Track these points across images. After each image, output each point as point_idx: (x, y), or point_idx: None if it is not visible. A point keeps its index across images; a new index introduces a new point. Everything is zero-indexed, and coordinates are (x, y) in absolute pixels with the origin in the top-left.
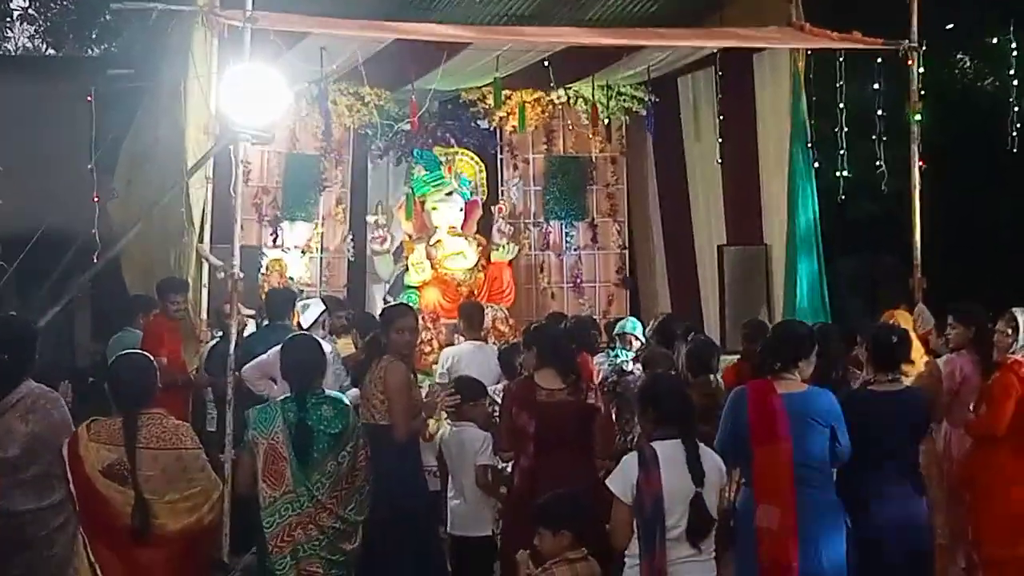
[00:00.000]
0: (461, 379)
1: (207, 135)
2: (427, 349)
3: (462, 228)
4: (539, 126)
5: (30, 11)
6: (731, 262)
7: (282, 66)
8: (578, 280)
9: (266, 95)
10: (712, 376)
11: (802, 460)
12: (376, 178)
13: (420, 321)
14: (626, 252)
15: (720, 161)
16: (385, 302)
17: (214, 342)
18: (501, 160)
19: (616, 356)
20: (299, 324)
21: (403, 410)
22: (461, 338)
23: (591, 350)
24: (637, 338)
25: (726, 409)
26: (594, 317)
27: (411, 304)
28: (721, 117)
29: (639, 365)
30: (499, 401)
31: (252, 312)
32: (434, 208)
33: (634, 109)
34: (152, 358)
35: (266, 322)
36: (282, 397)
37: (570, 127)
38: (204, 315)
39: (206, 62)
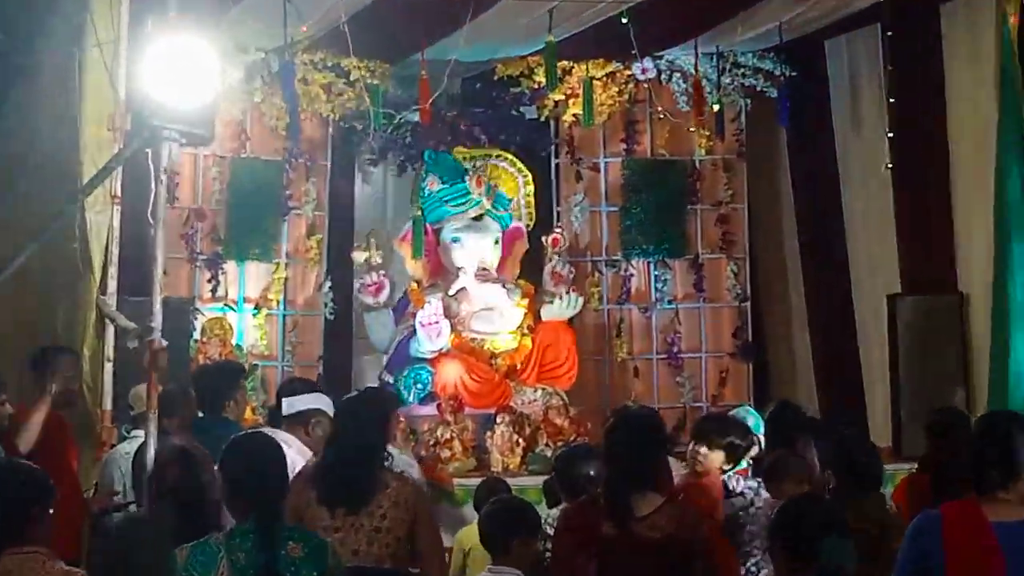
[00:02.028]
0: (504, 502)
1: (113, 133)
2: (445, 453)
3: (498, 270)
4: (614, 115)
5: None
6: (908, 320)
7: (226, 29)
8: (674, 348)
9: (201, 72)
10: (877, 494)
11: None
12: (368, 196)
13: (438, 412)
14: (747, 306)
15: (890, 165)
16: (381, 382)
17: (128, 446)
18: (557, 167)
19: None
20: (261, 412)
21: (442, 561)
22: None
23: (725, 449)
24: (757, 437)
25: (905, 546)
26: (700, 406)
27: (425, 380)
28: (891, 99)
29: (749, 483)
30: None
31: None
32: (455, 240)
33: (759, 88)
34: (34, 468)
35: (199, 414)
36: (227, 530)
37: (661, 116)
38: (108, 403)
39: (111, 25)
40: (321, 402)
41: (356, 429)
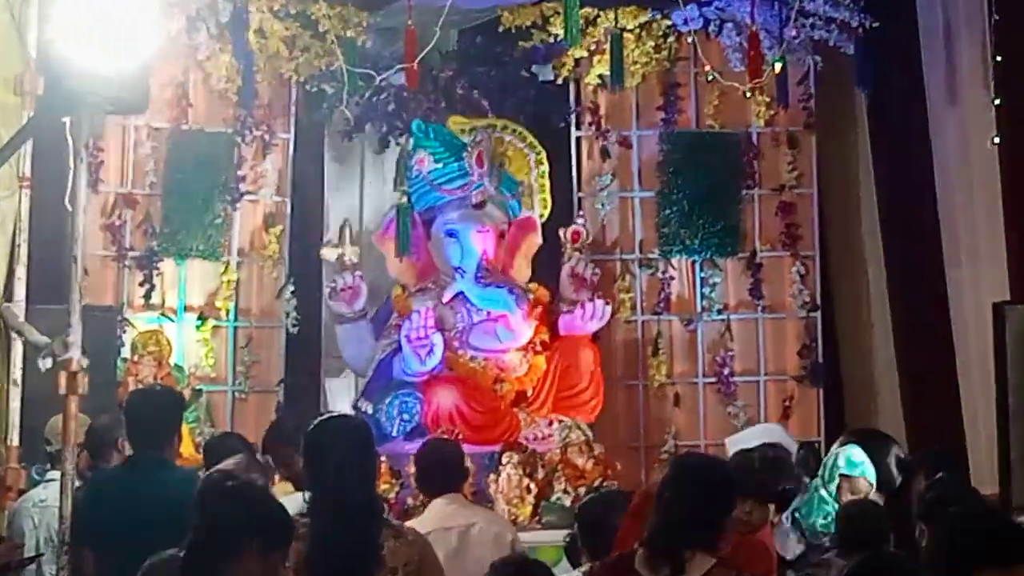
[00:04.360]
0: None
1: (21, 98)
2: None
3: (503, 271)
4: (650, 77)
5: None
6: (1020, 333)
7: None
8: (726, 371)
9: (132, 24)
10: None
11: None
12: (340, 177)
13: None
14: (817, 316)
15: (997, 141)
16: (357, 410)
17: (43, 492)
18: (578, 142)
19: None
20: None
21: None
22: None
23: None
24: (869, 483)
25: None
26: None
27: (412, 409)
28: (998, 58)
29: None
30: None
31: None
32: (451, 233)
33: (831, 43)
34: None
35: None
36: None
37: (709, 78)
38: (14, 438)
39: None
40: None
41: (346, 479)
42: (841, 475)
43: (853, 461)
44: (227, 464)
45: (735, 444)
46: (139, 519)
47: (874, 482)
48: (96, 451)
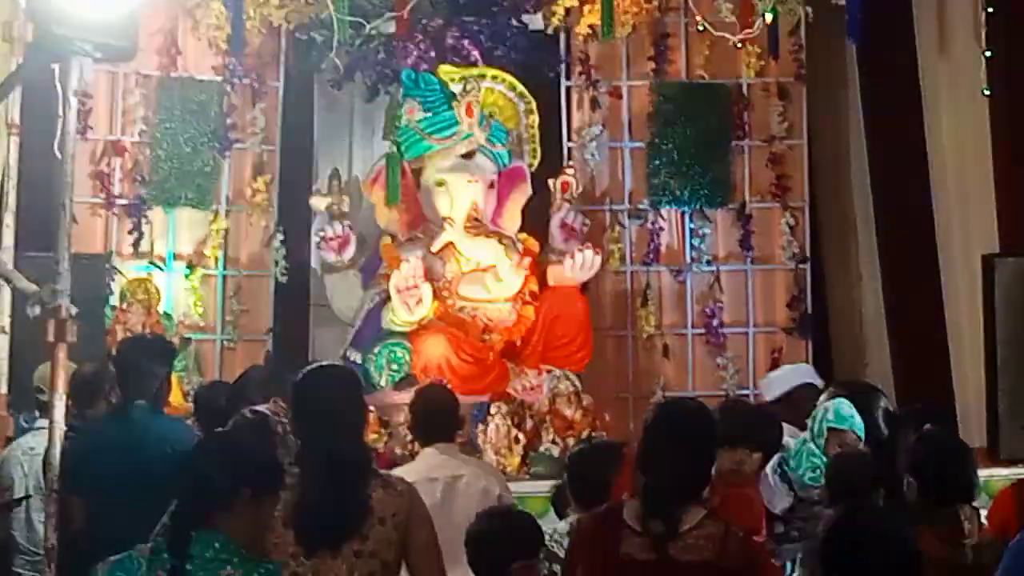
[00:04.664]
0: (498, 516)
1: (10, 44)
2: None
3: (492, 221)
4: (640, 27)
5: None
6: (1009, 286)
7: None
8: (715, 322)
9: None
10: (966, 508)
11: None
12: (330, 126)
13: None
14: (806, 268)
15: (987, 92)
16: (345, 360)
17: (32, 440)
18: (568, 92)
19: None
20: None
21: None
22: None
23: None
24: (857, 436)
25: (1009, 567)
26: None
27: (401, 359)
28: (989, 8)
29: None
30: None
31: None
32: (440, 183)
33: None
34: None
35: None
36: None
37: (700, 28)
38: (2, 386)
39: None
40: None
41: (334, 430)
42: (829, 428)
43: (842, 414)
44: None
45: (771, 386)
46: (131, 467)
47: (863, 435)
48: (82, 399)
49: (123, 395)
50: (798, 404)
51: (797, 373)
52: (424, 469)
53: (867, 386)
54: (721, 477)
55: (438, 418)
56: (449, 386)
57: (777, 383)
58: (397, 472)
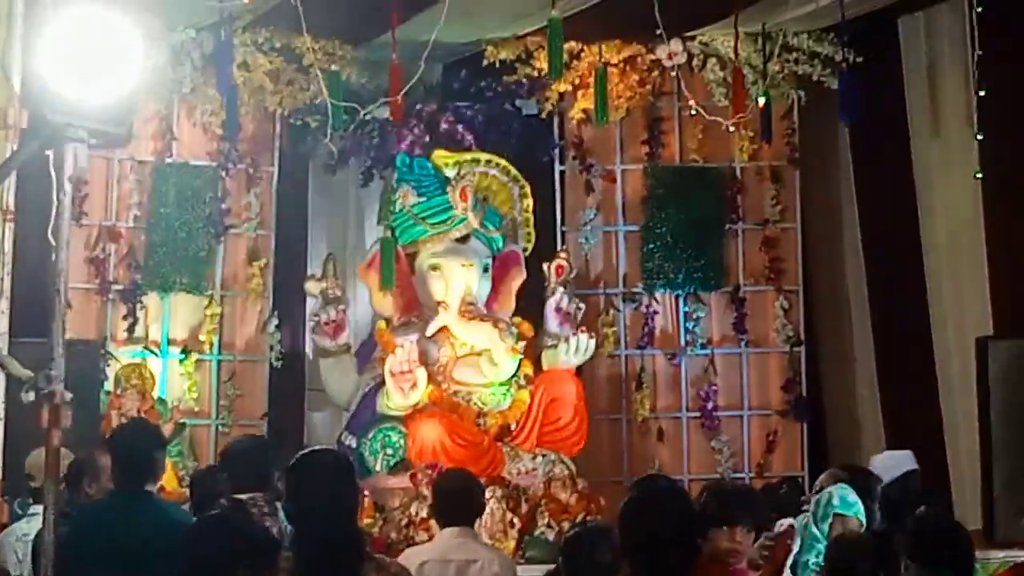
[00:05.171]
0: None
1: (3, 130)
2: (421, 536)
3: (487, 305)
4: (634, 111)
5: None
6: (1003, 369)
7: (147, 0)
8: (709, 405)
9: (117, 55)
10: None
11: None
12: (324, 210)
13: (412, 483)
14: (800, 351)
15: (980, 175)
16: (340, 444)
17: (26, 527)
18: (562, 176)
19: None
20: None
21: None
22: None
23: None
24: (860, 522)
25: None
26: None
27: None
28: (981, 92)
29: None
30: None
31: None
32: (434, 268)
33: (815, 78)
34: None
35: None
36: None
37: (693, 112)
38: None
39: None
40: None
41: (328, 514)
42: (835, 514)
43: (848, 500)
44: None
45: (886, 469)
46: (126, 553)
47: (865, 521)
48: (76, 484)
49: (117, 481)
50: (906, 487)
51: (902, 460)
52: (440, 550)
53: (864, 470)
54: (716, 556)
55: (458, 501)
56: (437, 472)
57: (892, 467)
58: (413, 552)
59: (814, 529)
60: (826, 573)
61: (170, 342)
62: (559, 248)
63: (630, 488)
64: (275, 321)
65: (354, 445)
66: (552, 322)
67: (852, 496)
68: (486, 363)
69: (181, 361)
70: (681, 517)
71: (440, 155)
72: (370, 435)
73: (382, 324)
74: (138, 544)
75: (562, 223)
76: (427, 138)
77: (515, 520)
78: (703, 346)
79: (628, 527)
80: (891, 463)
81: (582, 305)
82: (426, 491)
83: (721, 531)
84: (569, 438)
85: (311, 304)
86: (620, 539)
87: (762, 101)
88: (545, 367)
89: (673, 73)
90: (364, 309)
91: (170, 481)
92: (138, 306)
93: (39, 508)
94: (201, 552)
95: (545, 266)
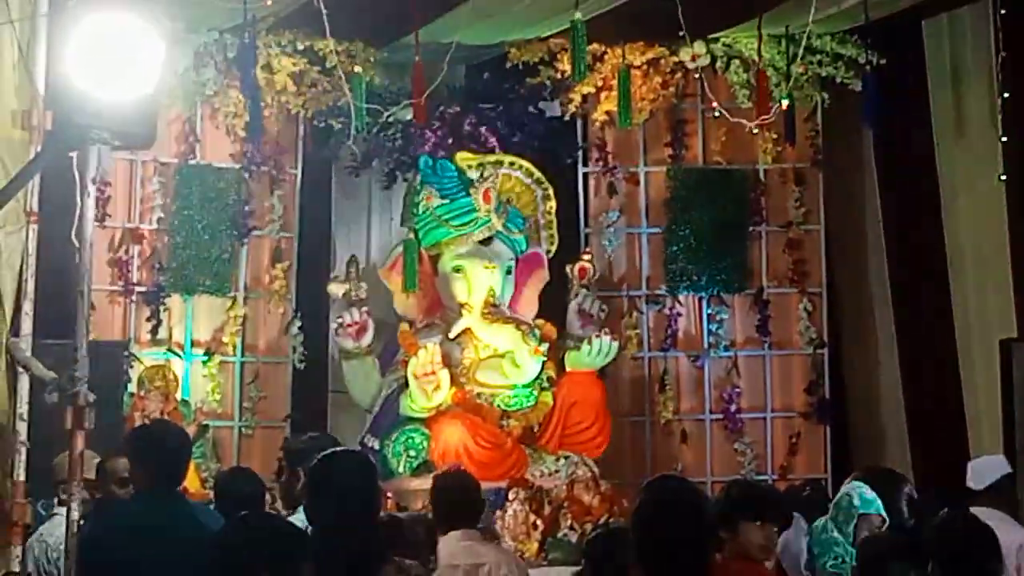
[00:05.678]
0: None
1: (28, 133)
2: None
3: (510, 307)
4: (658, 113)
5: None
6: None
7: (172, 3)
8: (732, 407)
9: (140, 58)
10: None
11: None
12: (347, 212)
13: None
14: (824, 353)
15: (1004, 177)
16: (363, 446)
17: (48, 527)
18: (586, 178)
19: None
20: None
21: None
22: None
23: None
24: (883, 518)
25: None
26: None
27: (419, 445)
28: (1005, 94)
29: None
30: None
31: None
32: (457, 270)
33: (839, 80)
34: None
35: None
36: None
37: (716, 114)
38: (20, 472)
39: None
40: None
41: (350, 515)
42: (860, 514)
43: (866, 498)
44: None
45: (980, 475)
46: (151, 554)
47: (886, 517)
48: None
49: (148, 480)
50: (1001, 492)
51: (1000, 463)
52: (446, 556)
53: (890, 471)
54: (746, 551)
55: (459, 504)
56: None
57: (986, 472)
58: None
59: (834, 532)
60: (857, 574)
61: (193, 344)
62: (582, 250)
63: (640, 490)
64: (298, 323)
65: (377, 447)
66: (575, 324)
67: (869, 493)
68: (509, 365)
69: (204, 363)
70: (693, 517)
71: (463, 157)
72: (393, 437)
73: (405, 326)
74: (164, 545)
75: (585, 225)
76: (450, 140)
77: (538, 522)
78: (726, 348)
79: (638, 532)
80: (986, 467)
81: (605, 307)
82: None
83: (755, 525)
84: (592, 440)
85: (334, 306)
86: (634, 543)
87: (786, 103)
88: (568, 369)
89: (696, 75)
90: (387, 311)
91: (193, 482)
92: (161, 308)
93: (62, 510)
94: (226, 552)
95: (568, 268)
